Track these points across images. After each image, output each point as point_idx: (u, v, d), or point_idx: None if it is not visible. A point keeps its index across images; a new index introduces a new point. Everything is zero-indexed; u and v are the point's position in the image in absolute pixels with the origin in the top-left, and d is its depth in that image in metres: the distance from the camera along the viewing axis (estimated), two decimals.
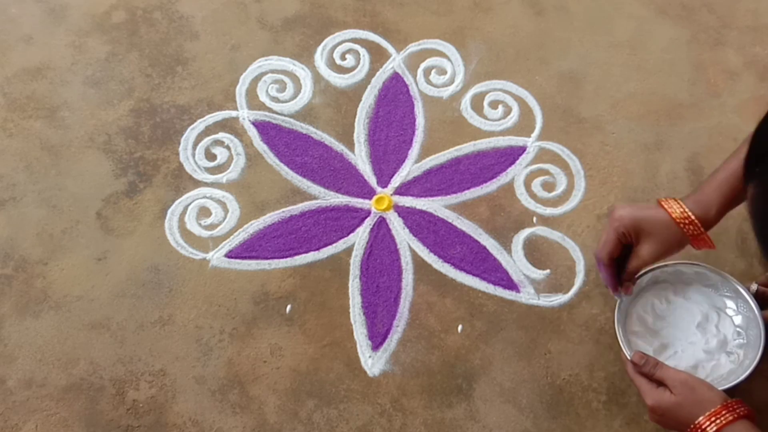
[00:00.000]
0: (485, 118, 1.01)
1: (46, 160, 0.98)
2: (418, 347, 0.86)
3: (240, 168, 0.98)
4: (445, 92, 1.04)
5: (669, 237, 0.71)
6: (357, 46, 1.07)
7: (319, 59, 1.06)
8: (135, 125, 1.01)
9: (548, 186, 0.96)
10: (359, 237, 0.93)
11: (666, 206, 0.71)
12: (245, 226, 0.94)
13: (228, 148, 0.99)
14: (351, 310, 0.88)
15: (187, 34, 1.09)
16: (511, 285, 0.90)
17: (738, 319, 0.80)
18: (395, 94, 1.03)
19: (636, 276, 0.79)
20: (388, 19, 1.10)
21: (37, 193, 0.96)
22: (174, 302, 0.89)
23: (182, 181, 0.97)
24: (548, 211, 0.95)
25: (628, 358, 0.74)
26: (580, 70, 1.05)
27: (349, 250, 0.92)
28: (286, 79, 1.05)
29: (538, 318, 0.87)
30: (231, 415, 0.82)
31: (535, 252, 0.92)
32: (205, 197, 0.96)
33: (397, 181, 0.97)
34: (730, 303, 0.81)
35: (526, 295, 0.89)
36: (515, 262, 0.91)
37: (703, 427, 0.66)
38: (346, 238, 0.93)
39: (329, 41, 1.08)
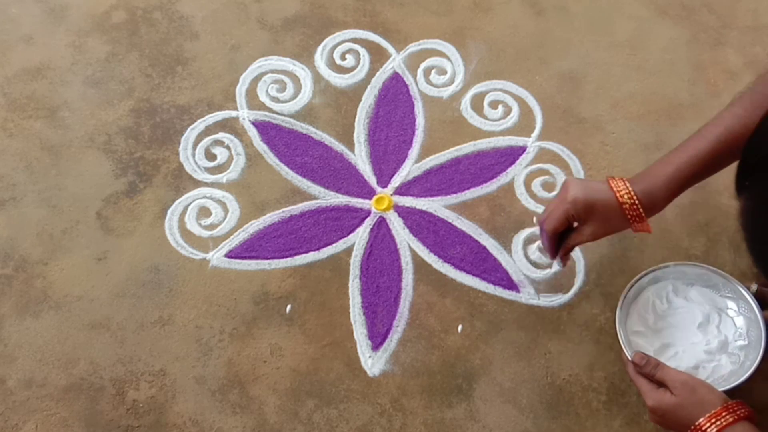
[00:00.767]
0: (485, 118, 1.01)
1: (46, 160, 0.98)
2: (418, 347, 0.86)
3: (240, 168, 0.98)
4: (445, 92, 1.04)
5: (613, 219, 0.72)
6: (357, 46, 1.07)
7: (319, 59, 1.06)
8: (135, 125, 1.01)
9: (548, 186, 0.96)
10: (359, 237, 0.93)
11: (615, 188, 0.72)
12: (245, 226, 0.94)
13: (228, 148, 0.99)
14: (351, 310, 0.88)
15: (187, 34, 1.09)
16: (511, 285, 0.90)
17: (739, 320, 0.80)
18: (395, 94, 1.04)
19: (636, 278, 0.80)
20: (388, 19, 1.10)
21: (37, 193, 0.96)
22: (174, 302, 0.89)
23: (182, 181, 0.97)
24: None
25: (629, 358, 0.74)
26: (580, 70, 1.05)
27: (349, 250, 0.92)
28: (286, 79, 1.05)
29: (538, 318, 0.87)
30: (231, 415, 0.82)
31: (535, 252, 0.92)
32: (205, 197, 0.96)
33: (397, 181, 0.97)
34: (731, 304, 0.81)
35: (526, 295, 0.89)
36: (515, 262, 0.91)
37: (704, 428, 0.66)
38: (346, 238, 0.93)
39: (329, 41, 1.08)
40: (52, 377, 0.84)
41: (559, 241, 0.79)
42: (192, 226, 0.94)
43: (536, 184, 0.96)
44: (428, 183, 0.97)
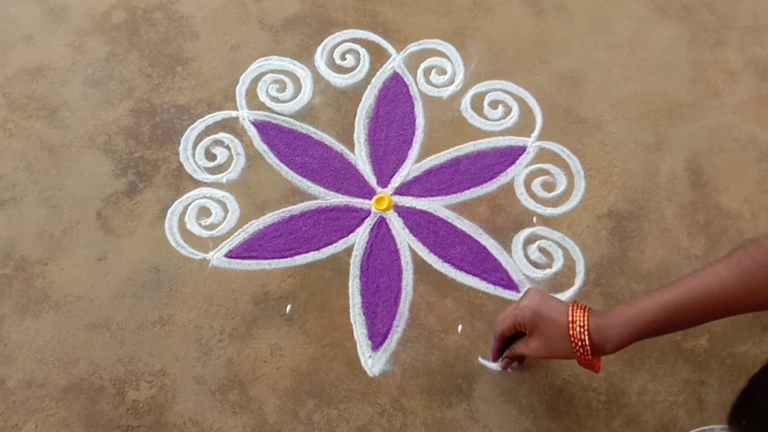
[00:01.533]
0: (485, 118, 1.01)
1: (46, 160, 0.98)
2: (418, 347, 0.86)
3: (240, 168, 0.98)
4: (445, 92, 1.04)
5: (558, 343, 0.68)
6: (357, 46, 1.07)
7: (319, 59, 1.06)
8: (135, 125, 1.01)
9: (548, 186, 0.96)
10: (359, 237, 0.93)
11: (571, 315, 0.67)
12: (245, 226, 0.94)
13: (228, 148, 0.99)
14: (351, 310, 0.88)
15: (187, 34, 1.09)
16: (511, 285, 0.90)
17: None
18: (395, 94, 1.04)
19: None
20: (388, 19, 1.10)
21: (37, 193, 0.96)
22: (174, 302, 0.89)
23: (182, 181, 0.97)
24: (548, 211, 0.95)
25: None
26: (580, 70, 1.05)
27: (349, 250, 0.92)
28: (286, 79, 1.05)
29: None
30: (231, 415, 0.82)
31: (535, 252, 0.92)
32: (205, 197, 0.96)
33: (397, 181, 0.97)
34: None
35: None
36: (515, 262, 0.91)
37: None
38: (346, 238, 0.93)
39: (329, 41, 1.08)
40: (52, 377, 0.84)
41: (506, 345, 0.77)
42: (192, 226, 0.94)
43: (536, 184, 0.96)
44: (428, 183, 0.97)
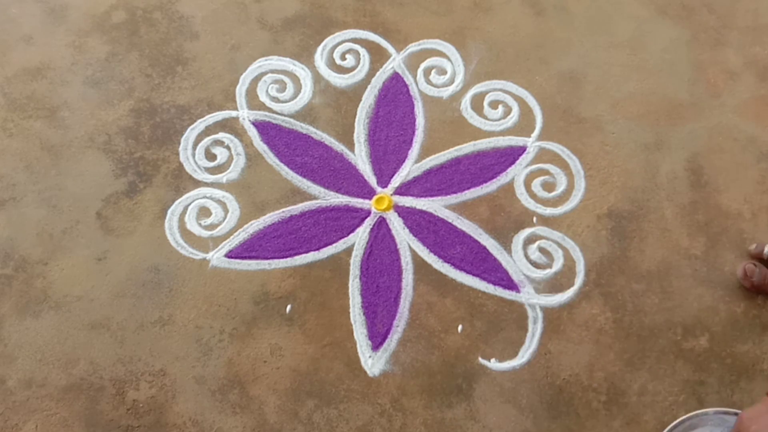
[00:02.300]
0: (485, 118, 1.01)
1: (46, 160, 0.98)
2: (418, 347, 0.86)
3: (240, 168, 0.98)
4: (445, 92, 1.04)
5: None
6: (357, 46, 1.07)
7: (319, 59, 1.06)
8: (135, 125, 1.01)
9: (548, 186, 0.96)
10: (359, 237, 0.93)
11: None
12: (245, 226, 0.94)
13: (228, 148, 0.99)
14: (351, 310, 0.88)
15: (187, 34, 1.09)
16: (511, 285, 0.90)
17: None
18: (395, 94, 1.03)
19: (673, 425, 0.77)
20: (388, 19, 1.10)
21: (37, 193, 0.96)
22: (174, 302, 0.89)
23: (182, 181, 0.97)
24: (548, 211, 0.95)
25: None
26: (580, 70, 1.05)
27: (349, 250, 0.92)
28: (286, 79, 1.05)
29: (538, 318, 0.87)
30: (231, 415, 0.82)
31: (535, 252, 0.92)
32: (205, 197, 0.96)
33: (397, 181, 0.97)
34: None
35: (526, 295, 0.89)
36: (515, 262, 0.91)
37: None
38: (346, 238, 0.93)
39: (329, 41, 1.08)
40: (52, 377, 0.84)
41: None
42: (192, 226, 0.94)
43: (536, 184, 0.96)
44: (428, 183, 0.97)
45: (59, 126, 1.01)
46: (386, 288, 0.89)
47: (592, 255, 0.91)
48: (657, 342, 0.86)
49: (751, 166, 0.98)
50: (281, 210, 0.95)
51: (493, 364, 0.84)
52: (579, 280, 0.90)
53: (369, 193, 0.96)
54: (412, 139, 1.00)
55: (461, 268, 0.90)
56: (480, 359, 0.85)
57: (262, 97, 1.03)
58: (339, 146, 0.99)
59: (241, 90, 1.04)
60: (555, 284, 0.90)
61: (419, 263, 0.91)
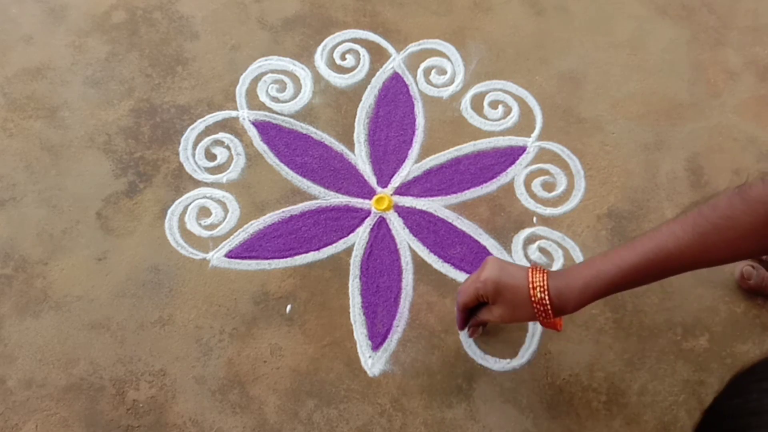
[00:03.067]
0: (485, 118, 1.01)
1: (46, 160, 0.98)
2: (418, 347, 0.86)
3: (240, 168, 0.98)
4: (445, 92, 1.04)
5: (521, 308, 0.70)
6: (357, 46, 1.07)
7: (319, 59, 1.06)
8: (135, 125, 1.01)
9: (548, 186, 0.96)
10: (359, 237, 0.93)
11: (530, 279, 0.68)
12: (245, 226, 0.94)
13: (228, 148, 0.99)
14: (351, 310, 0.88)
15: (187, 34, 1.09)
16: None
17: None
18: (395, 94, 1.04)
19: None
20: (388, 19, 1.10)
21: (37, 193, 0.96)
22: (174, 302, 0.89)
23: (182, 181, 0.97)
24: (548, 211, 0.95)
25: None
26: (580, 70, 1.05)
27: (349, 250, 0.92)
28: (286, 79, 1.05)
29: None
30: (231, 415, 0.82)
31: (535, 252, 0.92)
32: (205, 197, 0.96)
33: (397, 181, 0.97)
34: None
35: None
36: (515, 262, 0.91)
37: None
38: (346, 238, 0.93)
39: (329, 41, 1.08)
40: (52, 377, 0.84)
41: (470, 314, 0.78)
42: (192, 226, 0.94)
43: (536, 184, 0.96)
44: (428, 183, 0.97)
45: (59, 126, 1.01)
46: (386, 288, 0.89)
47: (592, 255, 0.91)
48: (657, 342, 0.86)
49: (751, 166, 0.98)
50: (281, 210, 0.95)
51: (494, 364, 0.84)
52: None
53: (369, 193, 0.96)
54: (412, 139, 1.00)
55: (461, 268, 0.90)
56: (480, 359, 0.85)
57: (262, 97, 1.03)
58: (339, 146, 0.99)
59: (241, 90, 1.04)
60: None
61: (419, 263, 0.91)
